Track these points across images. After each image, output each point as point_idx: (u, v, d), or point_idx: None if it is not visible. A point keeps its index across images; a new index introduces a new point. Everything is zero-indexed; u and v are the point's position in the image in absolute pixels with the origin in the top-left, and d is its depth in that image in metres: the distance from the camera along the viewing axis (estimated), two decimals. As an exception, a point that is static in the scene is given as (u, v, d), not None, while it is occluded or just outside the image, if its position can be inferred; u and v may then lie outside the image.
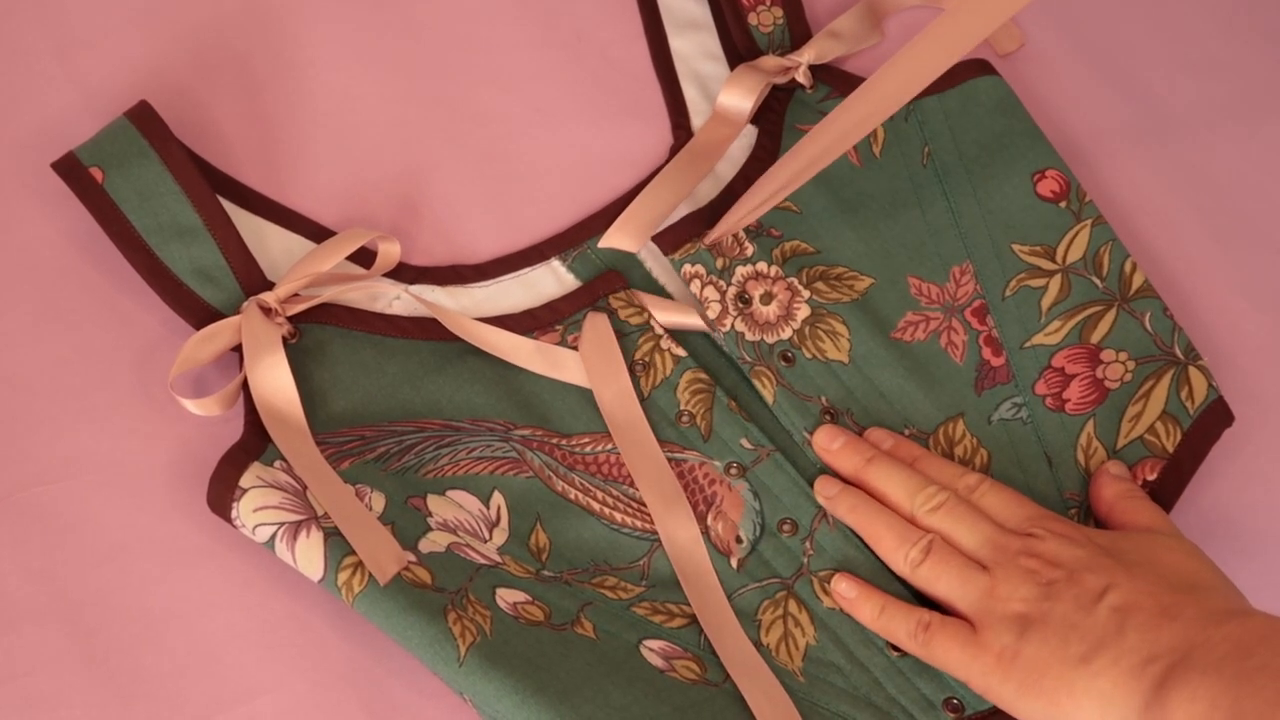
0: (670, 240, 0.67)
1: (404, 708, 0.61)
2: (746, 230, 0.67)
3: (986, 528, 0.59)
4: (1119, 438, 0.65)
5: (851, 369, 0.65)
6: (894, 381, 0.65)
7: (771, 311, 0.66)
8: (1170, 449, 0.64)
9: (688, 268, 0.66)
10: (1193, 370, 0.65)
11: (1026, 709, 0.56)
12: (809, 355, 0.65)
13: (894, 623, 0.60)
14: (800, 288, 0.66)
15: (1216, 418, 0.65)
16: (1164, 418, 0.65)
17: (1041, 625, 0.56)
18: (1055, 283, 0.67)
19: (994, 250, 0.68)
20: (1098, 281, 0.67)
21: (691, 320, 0.66)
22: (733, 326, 0.65)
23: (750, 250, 0.67)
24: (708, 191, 0.70)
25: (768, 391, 0.64)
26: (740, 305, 0.66)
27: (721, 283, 0.66)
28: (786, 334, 0.66)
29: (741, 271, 0.66)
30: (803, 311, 0.66)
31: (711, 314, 0.66)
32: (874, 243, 0.68)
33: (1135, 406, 0.65)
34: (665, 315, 0.66)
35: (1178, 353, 0.66)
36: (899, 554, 0.60)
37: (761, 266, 0.67)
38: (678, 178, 0.70)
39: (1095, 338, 0.66)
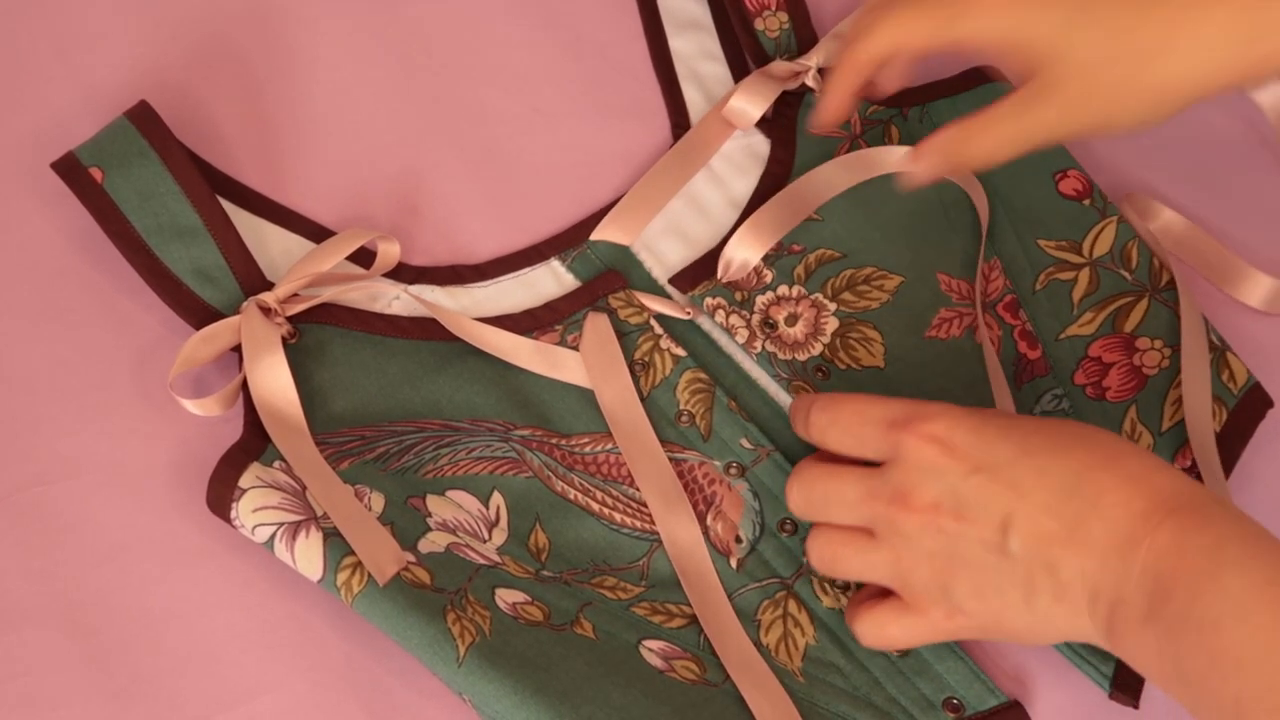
0: (688, 279, 0.67)
1: (404, 708, 0.61)
2: (764, 258, 0.67)
3: (848, 492, 0.56)
4: (1164, 421, 0.65)
5: (889, 373, 0.65)
6: (932, 381, 0.65)
7: (799, 331, 0.66)
8: (1217, 429, 0.64)
9: (709, 300, 0.66)
10: (1229, 355, 0.66)
11: (1006, 640, 0.55)
12: (843, 366, 0.65)
13: (852, 625, 0.59)
14: (826, 302, 0.66)
15: (1257, 400, 0.66)
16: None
17: (966, 578, 0.54)
18: (1084, 275, 0.67)
19: (1020, 246, 0.68)
20: (1126, 275, 0.67)
21: (678, 310, 0.67)
22: (763, 348, 0.65)
23: (769, 277, 0.67)
24: (722, 213, 0.70)
25: None
26: (767, 330, 0.66)
27: (745, 312, 0.66)
28: (817, 350, 0.66)
29: (762, 300, 0.66)
30: (831, 325, 0.66)
31: (740, 339, 0.66)
32: (900, 240, 0.68)
33: (1177, 391, 0.65)
34: (654, 304, 0.67)
35: (1213, 339, 0.66)
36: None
37: (783, 290, 0.66)
38: (672, 172, 0.70)
39: (1129, 326, 0.66)
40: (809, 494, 0.58)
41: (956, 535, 0.53)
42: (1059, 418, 0.55)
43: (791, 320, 0.66)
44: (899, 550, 0.55)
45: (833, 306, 0.66)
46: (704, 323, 0.67)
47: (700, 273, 0.68)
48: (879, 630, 0.58)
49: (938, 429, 0.54)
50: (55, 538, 0.63)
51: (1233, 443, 0.65)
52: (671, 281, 0.68)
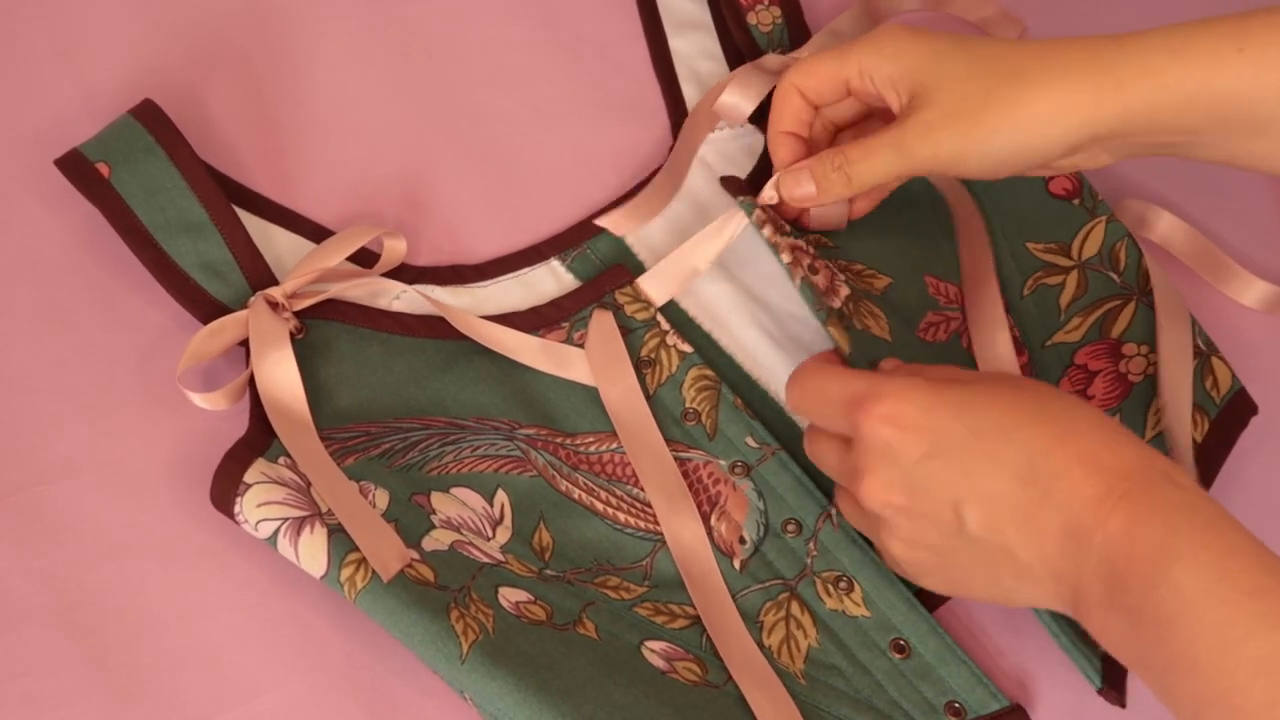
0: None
1: (404, 707, 0.61)
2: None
3: (829, 459, 0.58)
4: (1146, 430, 0.64)
5: (896, 346, 0.64)
6: None
7: (821, 280, 0.64)
8: (1199, 439, 0.64)
9: (758, 213, 0.63)
10: (1215, 361, 0.66)
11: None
12: (859, 326, 0.64)
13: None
14: (835, 271, 0.66)
15: (1242, 407, 0.65)
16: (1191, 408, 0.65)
17: (930, 554, 0.55)
18: (1072, 279, 0.67)
19: (1009, 250, 0.68)
20: (1115, 276, 0.67)
21: (679, 281, 0.66)
22: (804, 279, 0.62)
23: (787, 227, 0.65)
24: (721, 213, 0.69)
25: (844, 342, 0.61)
26: (811, 254, 0.64)
27: (791, 235, 0.64)
28: (836, 304, 0.65)
29: (785, 241, 0.64)
30: (843, 291, 0.65)
31: (785, 259, 0.63)
32: (889, 240, 0.67)
33: (1160, 399, 0.65)
34: (653, 285, 0.66)
35: (1199, 344, 0.66)
36: None
37: (801, 242, 0.64)
38: (667, 173, 0.70)
39: (1115, 331, 0.66)
40: (808, 448, 0.60)
41: (912, 517, 0.54)
42: (1015, 381, 0.55)
43: (814, 270, 0.64)
44: (873, 520, 0.56)
45: (843, 277, 0.66)
46: (704, 322, 0.67)
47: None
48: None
49: (888, 410, 0.54)
50: (55, 538, 0.62)
51: (1215, 451, 0.65)
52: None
